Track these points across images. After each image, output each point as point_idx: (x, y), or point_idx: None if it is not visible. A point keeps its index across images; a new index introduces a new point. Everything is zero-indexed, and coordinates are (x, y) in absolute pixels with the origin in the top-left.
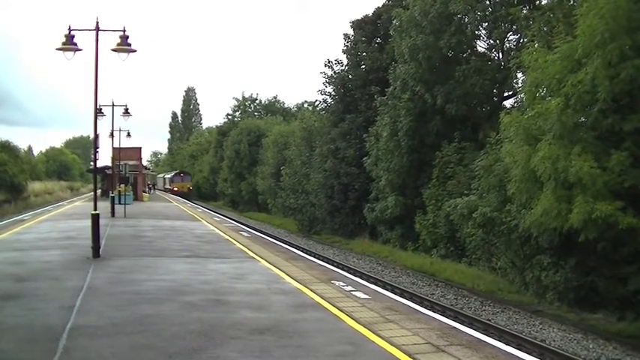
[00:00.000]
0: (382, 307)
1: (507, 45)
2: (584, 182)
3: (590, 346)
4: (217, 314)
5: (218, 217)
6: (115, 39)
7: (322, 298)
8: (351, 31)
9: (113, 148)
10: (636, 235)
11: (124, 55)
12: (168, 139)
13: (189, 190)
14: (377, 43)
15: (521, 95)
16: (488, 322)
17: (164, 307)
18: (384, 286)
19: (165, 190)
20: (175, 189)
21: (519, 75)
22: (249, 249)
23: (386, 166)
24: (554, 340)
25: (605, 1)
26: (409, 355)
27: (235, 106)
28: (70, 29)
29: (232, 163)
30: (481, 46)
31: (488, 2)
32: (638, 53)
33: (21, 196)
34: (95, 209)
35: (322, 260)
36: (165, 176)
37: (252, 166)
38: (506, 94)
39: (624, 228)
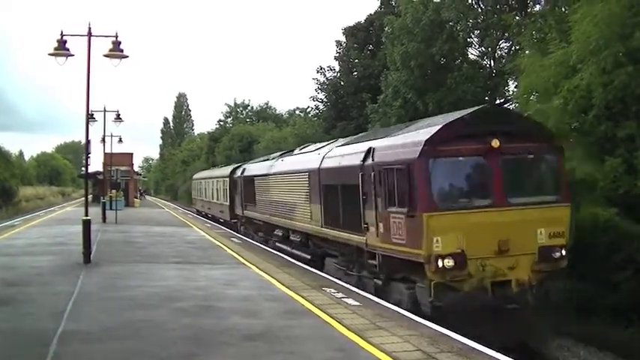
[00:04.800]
0: (373, 314)
1: (499, 52)
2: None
3: (581, 354)
4: (209, 320)
5: (209, 224)
6: (108, 44)
7: (313, 304)
8: (343, 38)
9: (105, 154)
10: (631, 241)
11: (116, 60)
12: (160, 145)
13: None
14: (369, 50)
15: (514, 103)
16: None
17: (155, 312)
18: None
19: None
20: None
21: (511, 82)
22: (240, 255)
23: None
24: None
25: (600, 8)
26: None
27: (227, 112)
28: (62, 34)
29: None
30: (473, 53)
31: (480, 10)
32: (631, 60)
33: (12, 201)
34: (86, 215)
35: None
36: (269, 164)
37: None
38: (497, 101)
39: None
